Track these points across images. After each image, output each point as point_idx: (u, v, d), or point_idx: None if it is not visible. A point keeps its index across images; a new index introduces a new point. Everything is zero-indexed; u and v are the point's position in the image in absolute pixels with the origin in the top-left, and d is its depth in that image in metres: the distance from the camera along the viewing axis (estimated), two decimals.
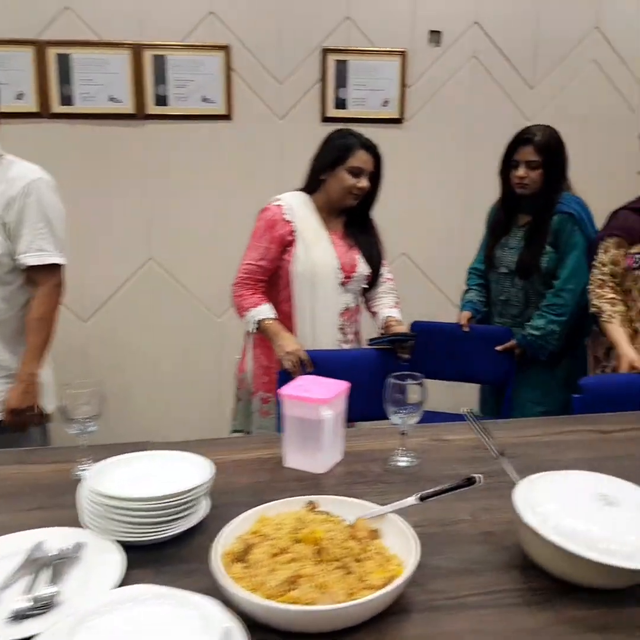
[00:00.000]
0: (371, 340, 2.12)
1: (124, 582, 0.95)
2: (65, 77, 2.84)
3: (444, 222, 3.23)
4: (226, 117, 2.95)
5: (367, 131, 3.05)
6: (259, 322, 2.04)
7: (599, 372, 2.20)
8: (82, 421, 1.31)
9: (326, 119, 3.03)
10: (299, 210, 2.09)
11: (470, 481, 1.04)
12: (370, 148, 2.06)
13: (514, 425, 1.61)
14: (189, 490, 1.09)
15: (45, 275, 1.85)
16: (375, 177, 2.11)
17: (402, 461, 1.37)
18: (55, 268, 1.86)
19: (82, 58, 2.82)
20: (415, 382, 1.35)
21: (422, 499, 1.06)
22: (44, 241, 1.81)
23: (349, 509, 1.09)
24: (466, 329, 2.48)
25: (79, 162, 2.94)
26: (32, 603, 0.91)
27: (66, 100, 2.86)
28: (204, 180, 3.01)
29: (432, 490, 1.06)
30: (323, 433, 1.30)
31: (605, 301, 2.07)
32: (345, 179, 2.04)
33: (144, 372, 3.15)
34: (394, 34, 3.01)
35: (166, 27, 2.87)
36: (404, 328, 2.14)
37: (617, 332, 2.01)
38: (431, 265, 3.28)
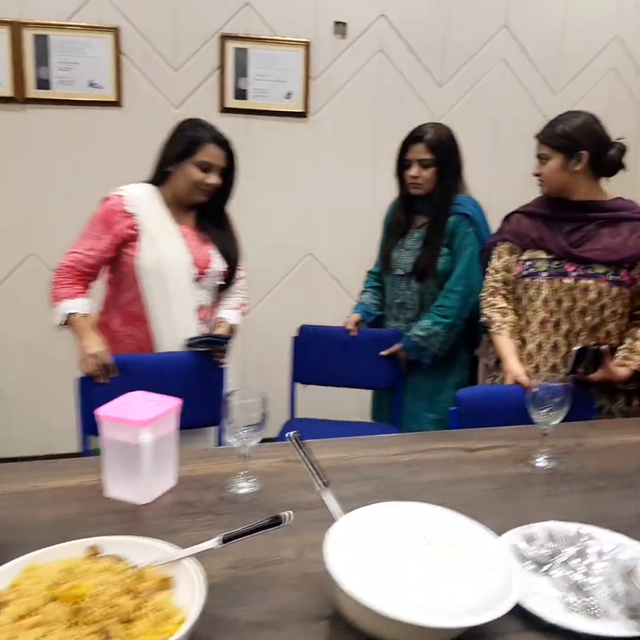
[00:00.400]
0: (187, 341, 1.98)
1: None
2: None
3: (352, 221, 3.12)
4: (116, 103, 2.75)
5: (271, 124, 2.96)
6: (70, 315, 1.87)
7: (488, 382, 2.12)
8: None
9: (225, 110, 2.87)
10: (143, 202, 1.94)
11: (276, 520, 0.90)
12: (223, 143, 1.94)
13: (376, 442, 1.50)
14: None
15: None
16: (228, 173, 1.98)
17: (242, 487, 1.23)
18: None
19: None
20: (254, 399, 1.21)
21: (224, 541, 0.92)
22: None
23: (145, 552, 0.94)
24: (353, 333, 2.39)
25: None
26: None
27: None
28: (91, 171, 2.80)
29: (234, 531, 0.93)
30: (143, 459, 1.15)
31: (495, 310, 1.99)
32: (193, 174, 1.92)
33: (25, 374, 2.93)
34: (296, 23, 2.88)
35: (49, 4, 2.65)
36: (223, 330, 2.03)
37: (505, 345, 1.92)
38: (338, 265, 3.17)
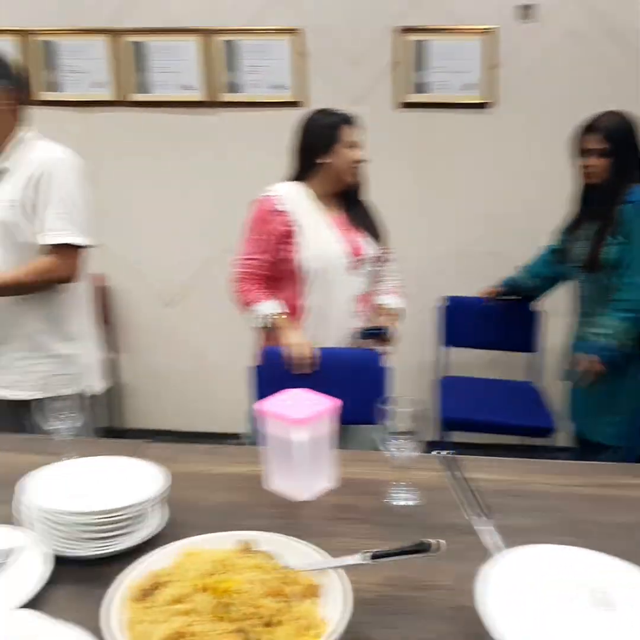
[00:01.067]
0: (358, 333, 2.05)
1: (43, 598, 0.89)
2: (141, 65, 2.86)
3: (543, 220, 2.87)
4: (297, 104, 2.82)
5: (451, 117, 2.85)
6: (269, 316, 2.00)
7: None
8: (60, 416, 1.25)
9: (405, 105, 2.82)
10: (293, 198, 2.02)
11: (427, 546, 0.83)
12: (353, 121, 2.02)
13: (554, 468, 1.31)
14: (123, 508, 0.99)
15: (60, 254, 1.79)
16: None
17: (401, 499, 1.17)
18: (72, 249, 1.80)
19: (156, 45, 2.82)
20: (412, 408, 1.14)
21: (373, 558, 0.87)
22: (59, 221, 1.77)
23: (296, 554, 0.93)
24: (488, 302, 2.71)
25: (156, 149, 2.97)
26: None
27: (143, 88, 2.88)
28: (277, 171, 2.92)
29: (385, 550, 0.87)
30: (297, 457, 1.14)
31: None
32: (346, 154, 2.00)
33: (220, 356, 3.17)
34: (477, 9, 2.73)
35: (235, 10, 2.80)
36: (387, 318, 2.08)
37: None
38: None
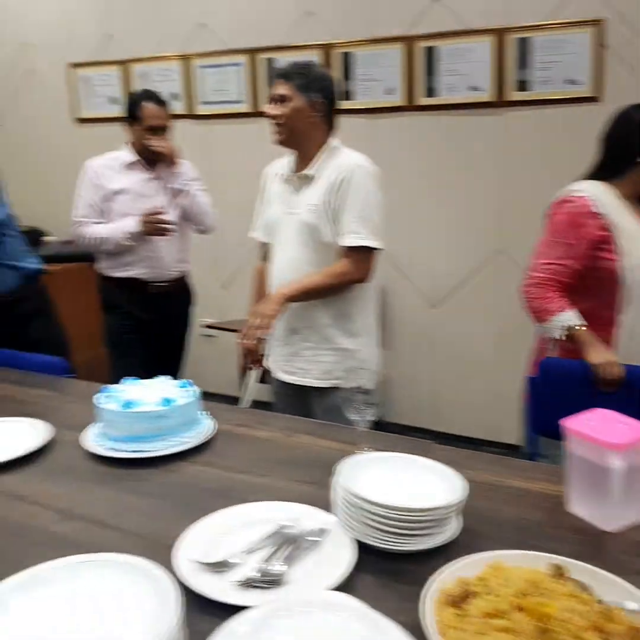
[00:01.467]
0: None
1: (348, 582, 0.94)
2: (431, 69, 2.91)
3: None
4: (593, 99, 2.62)
5: None
6: (570, 327, 1.85)
7: None
8: (360, 409, 1.33)
9: None
10: (607, 201, 1.83)
11: None
12: None
13: None
14: (430, 509, 1.01)
15: (356, 256, 1.91)
16: None
17: None
18: (366, 251, 1.91)
19: (447, 49, 2.85)
20: None
21: None
22: (356, 224, 1.88)
23: (610, 589, 0.86)
24: None
25: (437, 152, 3.02)
26: (259, 575, 0.96)
27: (430, 92, 2.94)
28: (563, 170, 2.74)
29: None
30: (611, 485, 1.05)
31: None
32: None
33: (481, 362, 3.16)
34: None
35: (532, 6, 2.69)
36: None
37: None
38: None
